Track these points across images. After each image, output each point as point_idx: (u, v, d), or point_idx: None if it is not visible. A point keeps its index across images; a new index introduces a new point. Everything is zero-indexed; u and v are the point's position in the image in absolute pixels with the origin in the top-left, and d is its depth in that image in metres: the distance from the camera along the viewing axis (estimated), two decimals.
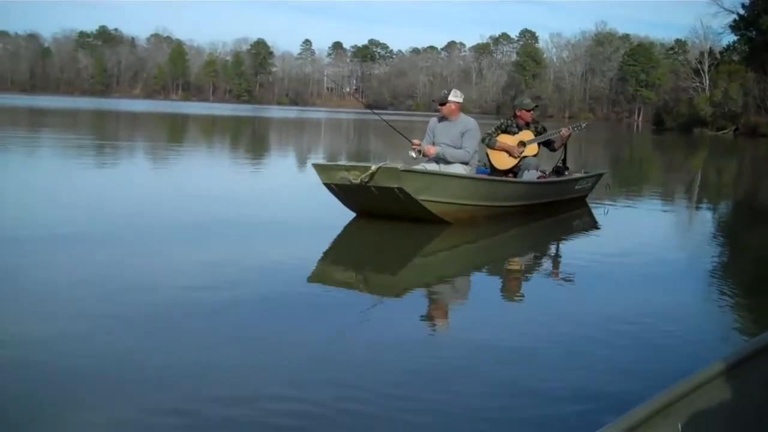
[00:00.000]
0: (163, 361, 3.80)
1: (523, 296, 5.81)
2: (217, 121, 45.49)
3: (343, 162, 8.30)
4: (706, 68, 74.37)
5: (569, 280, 6.15)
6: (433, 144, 8.80)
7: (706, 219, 11.10)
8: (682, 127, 70.43)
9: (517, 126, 9.83)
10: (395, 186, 7.58)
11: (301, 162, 17.89)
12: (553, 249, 7.97)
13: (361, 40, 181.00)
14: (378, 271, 6.35)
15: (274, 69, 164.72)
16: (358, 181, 7.61)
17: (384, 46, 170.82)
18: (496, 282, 6.36)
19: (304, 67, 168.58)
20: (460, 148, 8.65)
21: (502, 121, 10.05)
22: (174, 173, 14.10)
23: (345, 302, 5.15)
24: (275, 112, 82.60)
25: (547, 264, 7.22)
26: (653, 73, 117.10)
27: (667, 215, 11.11)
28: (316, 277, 5.86)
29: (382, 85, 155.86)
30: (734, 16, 72.08)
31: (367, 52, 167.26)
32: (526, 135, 9.75)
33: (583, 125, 10.47)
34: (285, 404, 3.36)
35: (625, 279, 6.22)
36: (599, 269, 6.61)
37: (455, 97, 8.85)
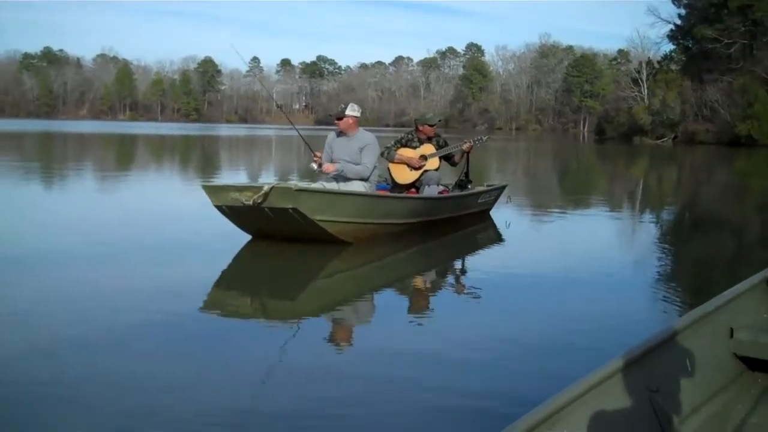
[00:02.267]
0: (38, 395, 3.65)
1: (430, 313, 5.66)
2: (165, 141, 44.80)
3: (234, 182, 7.95)
4: (644, 78, 75.39)
5: (475, 294, 6.11)
6: (332, 160, 8.56)
7: (613, 227, 10.97)
8: (622, 137, 71.35)
9: (419, 140, 9.64)
10: (290, 206, 7.27)
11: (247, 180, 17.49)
12: (457, 264, 7.81)
13: (310, 57, 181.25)
14: (276, 296, 6.02)
15: (222, 87, 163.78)
16: (251, 202, 7.25)
17: (332, 62, 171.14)
18: (402, 301, 6.15)
19: (252, 84, 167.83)
20: (359, 163, 8.44)
21: (402, 135, 9.85)
22: (95, 197, 13.59)
23: (241, 331, 4.89)
24: (224, 130, 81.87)
25: (452, 279, 7.07)
26: (597, 84, 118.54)
27: (577, 224, 11.05)
28: (209, 306, 5.56)
29: (331, 101, 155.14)
30: (671, 26, 73.48)
31: (316, 69, 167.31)
32: (427, 149, 9.57)
33: (484, 138, 10.33)
34: None
35: (531, 288, 6.29)
36: (504, 281, 6.56)
37: (352, 111, 8.59)
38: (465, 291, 6.34)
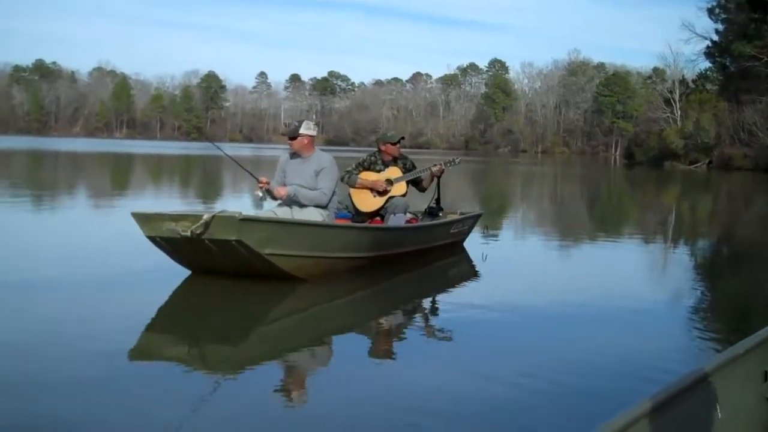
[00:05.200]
0: None
1: (395, 360, 5.50)
2: (163, 162, 44.87)
3: (170, 211, 7.71)
4: (677, 98, 75.12)
5: (447, 337, 6.00)
6: (284, 185, 8.32)
7: (630, 260, 10.60)
8: (652, 161, 71.01)
9: (383, 162, 9.48)
10: (233, 238, 6.97)
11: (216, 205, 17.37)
12: (426, 304, 7.58)
13: (321, 72, 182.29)
14: (217, 341, 5.79)
15: (226, 104, 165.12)
16: (188, 233, 6.95)
17: (345, 78, 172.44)
18: (363, 346, 5.92)
19: (259, 101, 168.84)
20: (316, 188, 8.19)
21: (364, 156, 9.67)
22: (43, 222, 13.43)
23: (175, 382, 4.68)
24: (228, 149, 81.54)
25: (420, 321, 6.84)
26: (630, 104, 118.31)
27: (581, 257, 10.95)
28: (139, 352, 5.36)
29: (343, 120, 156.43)
30: (707, 42, 73.21)
31: (327, 85, 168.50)
32: (393, 172, 9.39)
33: (457, 160, 10.13)
34: None
35: (515, 330, 6.20)
36: (483, 322, 6.43)
37: (307, 129, 8.31)
38: (435, 334, 6.19)
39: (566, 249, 11.86)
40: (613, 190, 33.39)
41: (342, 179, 9.05)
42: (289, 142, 8.36)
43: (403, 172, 9.44)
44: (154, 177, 30.74)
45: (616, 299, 7.52)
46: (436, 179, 9.79)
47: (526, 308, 7.01)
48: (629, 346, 5.69)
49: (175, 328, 6.21)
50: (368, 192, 9.33)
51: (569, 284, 8.34)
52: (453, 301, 7.49)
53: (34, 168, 34.08)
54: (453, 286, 8.42)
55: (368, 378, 4.93)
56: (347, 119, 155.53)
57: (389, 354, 5.68)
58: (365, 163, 9.50)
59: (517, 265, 9.85)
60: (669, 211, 21.86)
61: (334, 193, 8.33)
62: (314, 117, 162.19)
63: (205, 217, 6.96)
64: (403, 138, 9.73)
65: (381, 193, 9.30)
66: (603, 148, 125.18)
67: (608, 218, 18.62)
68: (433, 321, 6.80)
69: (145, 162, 43.51)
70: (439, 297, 7.79)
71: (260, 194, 8.23)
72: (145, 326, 6.00)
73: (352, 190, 9.39)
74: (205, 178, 29.41)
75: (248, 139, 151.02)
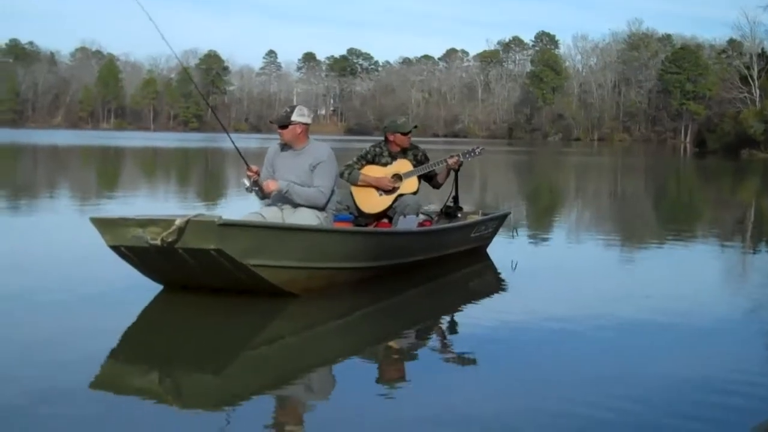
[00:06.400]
0: None
1: (406, 390, 5.43)
2: (158, 156, 45.35)
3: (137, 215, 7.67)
4: (755, 74, 74.74)
5: (468, 362, 6.01)
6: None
7: (661, 269, 10.43)
8: (727, 149, 71.09)
9: (390, 154, 9.46)
10: (212, 247, 6.93)
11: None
12: (444, 323, 7.58)
13: (339, 50, 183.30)
14: (195, 370, 5.76)
15: (230, 88, 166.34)
16: (158, 241, 6.90)
17: (367, 57, 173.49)
18: (369, 374, 5.86)
19: (267, 84, 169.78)
20: (311, 186, 8.10)
21: (368, 148, 9.66)
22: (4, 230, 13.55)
23: (145, 419, 4.61)
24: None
25: (436, 343, 6.83)
26: (701, 83, 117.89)
27: (616, 265, 10.87)
28: (102, 383, 5.31)
29: (366, 105, 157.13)
30: None
31: (347, 65, 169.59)
32: (403, 166, 9.38)
33: (478, 150, 10.05)
34: None
35: (543, 355, 6.12)
36: (508, 345, 6.44)
37: (301, 116, 8.20)
38: (456, 358, 6.17)
39: (622, 255, 11.81)
40: (682, 184, 33.44)
41: (341, 175, 9.03)
42: (279, 131, 8.26)
43: (414, 165, 9.41)
44: (147, 174, 30.97)
45: (683, 314, 7.48)
46: (453, 173, 9.75)
47: (567, 327, 6.93)
48: (701, 374, 5.61)
49: (145, 355, 6.15)
50: (373, 190, 9.34)
51: (622, 296, 8.28)
52: (476, 318, 7.44)
53: (7, 165, 34.48)
54: (475, 301, 8.41)
55: (376, 412, 4.90)
56: (370, 104, 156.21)
57: (401, 382, 5.63)
58: (369, 155, 9.50)
59: (557, 275, 9.75)
60: (747, 209, 21.79)
61: (333, 191, 8.27)
62: (332, 102, 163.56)
63: (178, 222, 6.87)
64: (416, 127, 9.68)
65: (388, 192, 9.27)
66: (671, 134, 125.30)
67: (675, 218, 18.47)
68: (453, 343, 6.78)
69: (137, 156, 43.88)
70: (459, 314, 7.79)
71: (247, 183, 8.19)
72: (109, 352, 5.97)
73: (354, 188, 9.37)
74: (207, 175, 29.58)
75: (256, 129, 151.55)
